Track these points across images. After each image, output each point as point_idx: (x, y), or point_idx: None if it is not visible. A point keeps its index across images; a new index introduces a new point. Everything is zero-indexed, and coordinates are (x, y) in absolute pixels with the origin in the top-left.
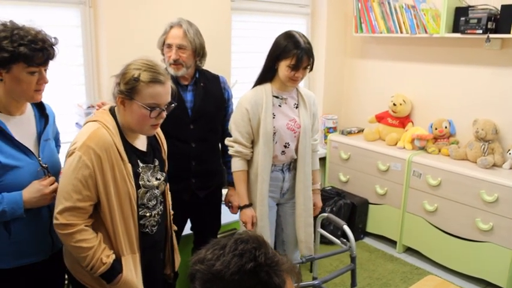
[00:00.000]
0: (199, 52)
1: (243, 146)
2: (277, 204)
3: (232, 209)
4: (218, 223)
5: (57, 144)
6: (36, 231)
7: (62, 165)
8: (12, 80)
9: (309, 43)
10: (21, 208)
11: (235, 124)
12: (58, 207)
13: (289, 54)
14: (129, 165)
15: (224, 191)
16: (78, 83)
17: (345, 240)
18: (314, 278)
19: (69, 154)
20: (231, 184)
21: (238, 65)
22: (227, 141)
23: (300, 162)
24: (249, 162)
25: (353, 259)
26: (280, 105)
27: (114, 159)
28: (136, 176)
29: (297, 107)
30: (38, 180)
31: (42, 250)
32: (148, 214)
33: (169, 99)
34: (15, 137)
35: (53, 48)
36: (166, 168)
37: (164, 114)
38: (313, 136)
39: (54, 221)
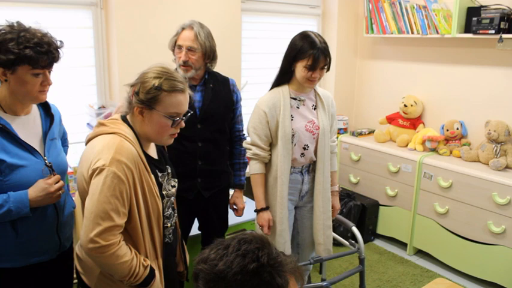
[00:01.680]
0: (209, 55)
1: (261, 148)
2: (295, 208)
3: (237, 211)
4: (225, 224)
5: (65, 144)
6: (43, 230)
7: (69, 164)
8: (16, 81)
9: (325, 43)
10: (27, 207)
11: (253, 127)
12: (95, 230)
13: (306, 55)
14: (153, 177)
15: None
16: (89, 83)
17: (353, 241)
18: (323, 280)
19: (98, 172)
20: (236, 186)
21: (249, 66)
22: (245, 144)
23: (319, 164)
24: (267, 165)
25: (361, 261)
26: (298, 107)
27: (142, 172)
28: (160, 186)
29: (315, 108)
30: (43, 179)
31: (50, 249)
32: (169, 224)
33: (187, 107)
34: (20, 136)
35: (58, 51)
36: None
37: (183, 123)
38: (331, 137)
39: (92, 245)
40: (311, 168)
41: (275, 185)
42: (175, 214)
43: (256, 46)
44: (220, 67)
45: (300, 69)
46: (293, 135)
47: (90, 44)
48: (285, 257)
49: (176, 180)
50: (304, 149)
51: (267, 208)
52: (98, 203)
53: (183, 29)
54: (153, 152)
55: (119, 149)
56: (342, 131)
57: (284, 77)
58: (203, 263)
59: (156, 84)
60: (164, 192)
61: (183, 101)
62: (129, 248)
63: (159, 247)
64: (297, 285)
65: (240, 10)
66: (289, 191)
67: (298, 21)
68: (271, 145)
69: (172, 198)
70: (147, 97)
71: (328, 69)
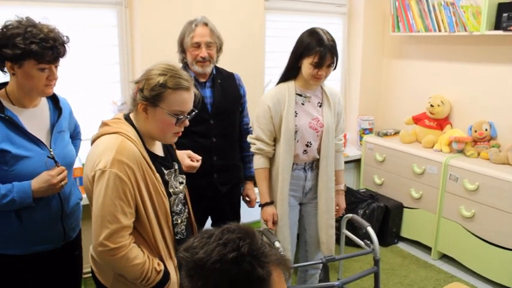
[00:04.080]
0: (221, 47)
1: (264, 143)
2: (300, 204)
3: (250, 203)
4: (238, 220)
5: (78, 138)
6: (47, 219)
7: (76, 159)
8: (23, 75)
9: (333, 40)
10: (30, 197)
11: (258, 121)
12: (103, 233)
13: (312, 52)
14: (158, 175)
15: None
16: (113, 80)
17: (368, 242)
18: (339, 279)
19: (100, 174)
20: (248, 178)
21: (272, 65)
22: (249, 138)
23: (323, 162)
24: (271, 160)
25: (376, 262)
26: (303, 104)
27: (145, 170)
28: (166, 184)
29: (320, 106)
30: (47, 171)
31: (54, 239)
32: (179, 221)
33: (192, 106)
34: (27, 128)
35: (64, 47)
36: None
37: (187, 122)
38: (337, 136)
39: (102, 248)
40: (314, 165)
41: (277, 180)
42: (186, 209)
43: (280, 45)
44: (243, 66)
45: (306, 66)
46: (296, 131)
47: (114, 43)
48: (269, 249)
49: (184, 176)
50: (307, 146)
51: (271, 203)
52: (103, 206)
53: (196, 25)
54: (158, 149)
55: (120, 149)
56: (367, 131)
57: (290, 72)
58: (185, 251)
59: (161, 81)
60: (171, 190)
61: (187, 99)
62: (142, 251)
63: (172, 246)
64: (282, 277)
65: (264, 9)
66: (292, 187)
67: (323, 19)
68: (275, 140)
69: (181, 195)
70: (151, 94)
71: (335, 68)
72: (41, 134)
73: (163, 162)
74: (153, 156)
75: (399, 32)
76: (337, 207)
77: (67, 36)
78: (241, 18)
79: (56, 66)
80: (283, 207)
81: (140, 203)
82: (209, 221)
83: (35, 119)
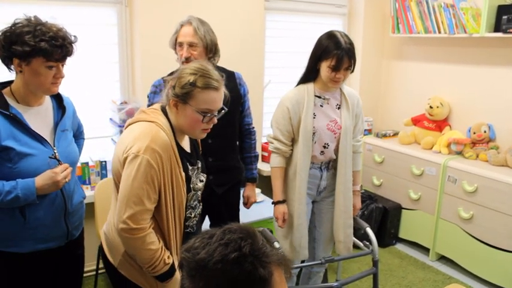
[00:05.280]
0: (211, 49)
1: (282, 143)
2: (313, 202)
3: (247, 205)
4: (237, 221)
5: (81, 137)
6: (51, 218)
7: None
8: (30, 73)
9: (350, 44)
10: (34, 194)
11: (276, 122)
12: (127, 212)
13: (330, 55)
14: (182, 169)
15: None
16: (113, 79)
17: (367, 243)
18: (337, 280)
19: (132, 158)
20: (249, 180)
21: (272, 65)
22: (268, 137)
23: (341, 163)
24: (288, 159)
25: (375, 263)
26: (321, 105)
27: (172, 162)
28: (188, 179)
29: (339, 108)
30: (51, 169)
31: (58, 237)
32: (192, 215)
33: (221, 104)
34: (31, 126)
35: (72, 46)
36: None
37: (215, 119)
38: (355, 137)
39: (124, 226)
40: (330, 165)
41: (294, 179)
42: (200, 207)
43: (280, 45)
44: (243, 66)
45: (324, 69)
46: (314, 133)
47: (114, 41)
48: (270, 248)
49: (205, 175)
50: (324, 147)
51: (283, 201)
52: (131, 188)
53: (181, 25)
54: (186, 144)
55: (155, 138)
56: (366, 132)
57: (309, 75)
58: (186, 252)
59: (191, 80)
60: (191, 186)
61: (216, 98)
62: (158, 240)
63: (179, 240)
64: (283, 277)
65: (264, 9)
66: (308, 185)
67: (323, 20)
68: (293, 141)
69: (199, 193)
70: (181, 92)
71: (352, 71)
72: (45, 132)
73: (189, 158)
74: (181, 150)
75: (399, 33)
76: (353, 208)
77: (75, 36)
78: (242, 18)
79: (63, 65)
80: (300, 206)
81: (162, 190)
82: (208, 222)
83: (39, 117)
